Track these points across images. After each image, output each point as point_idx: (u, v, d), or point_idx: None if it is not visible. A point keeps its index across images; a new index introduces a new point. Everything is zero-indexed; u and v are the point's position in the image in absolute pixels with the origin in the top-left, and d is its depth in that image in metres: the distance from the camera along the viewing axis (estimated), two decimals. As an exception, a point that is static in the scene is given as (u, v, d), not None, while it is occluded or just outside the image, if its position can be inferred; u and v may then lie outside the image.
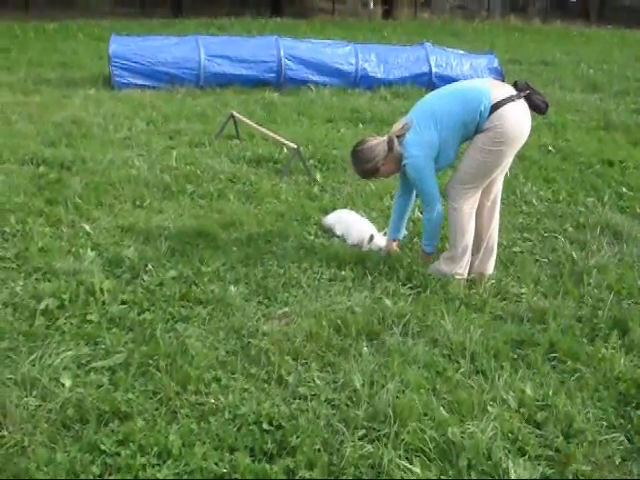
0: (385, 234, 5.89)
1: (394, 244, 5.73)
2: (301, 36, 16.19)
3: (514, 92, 5.02)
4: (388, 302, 4.84)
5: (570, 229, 6.54)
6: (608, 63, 18.78)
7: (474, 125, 5.02)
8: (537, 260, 5.82)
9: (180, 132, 9.65)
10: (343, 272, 5.32)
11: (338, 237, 6.05)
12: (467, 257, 5.30)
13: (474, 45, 19.90)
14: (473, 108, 4.97)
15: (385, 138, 5.26)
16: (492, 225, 5.41)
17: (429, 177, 5.17)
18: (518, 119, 4.97)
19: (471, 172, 5.10)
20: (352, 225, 6.06)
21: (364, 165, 5.33)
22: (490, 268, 5.44)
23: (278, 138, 8.31)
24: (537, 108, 5.08)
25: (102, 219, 6.25)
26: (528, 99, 5.03)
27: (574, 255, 5.84)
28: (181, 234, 5.91)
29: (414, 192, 5.54)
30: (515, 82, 5.14)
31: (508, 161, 5.16)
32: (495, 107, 4.93)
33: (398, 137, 5.21)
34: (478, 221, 5.33)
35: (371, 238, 5.83)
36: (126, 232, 5.97)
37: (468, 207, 5.17)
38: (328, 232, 6.17)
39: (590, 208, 7.12)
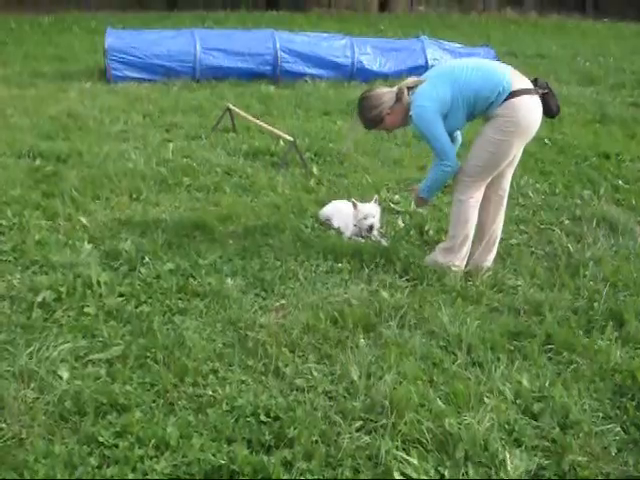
0: (376, 201, 6.02)
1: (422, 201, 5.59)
2: (297, 29, 16.20)
3: (532, 87, 4.96)
4: (385, 294, 4.84)
5: (566, 221, 6.56)
6: (604, 56, 18.77)
7: (486, 103, 4.94)
8: (533, 252, 5.84)
9: (176, 125, 9.66)
10: (340, 264, 5.33)
11: (335, 229, 6.04)
12: (466, 249, 5.29)
13: (470, 38, 19.86)
14: (493, 85, 4.89)
15: (395, 89, 5.22)
16: (497, 220, 5.40)
17: (438, 130, 5.02)
18: (531, 113, 4.93)
19: (479, 164, 5.07)
20: (350, 217, 6.03)
21: (369, 112, 5.24)
22: (489, 261, 5.43)
23: (274, 131, 8.30)
24: (549, 111, 5.06)
25: (99, 212, 6.25)
26: (543, 99, 4.99)
27: (570, 247, 5.85)
28: (178, 227, 5.92)
29: None
30: (535, 79, 5.07)
31: (516, 155, 5.15)
32: (512, 95, 4.86)
33: (410, 89, 5.13)
34: (484, 214, 5.31)
35: (371, 228, 5.84)
36: (123, 225, 5.97)
37: (474, 200, 5.16)
38: (325, 224, 6.17)
39: (586, 201, 7.13)
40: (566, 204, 7.05)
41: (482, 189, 5.18)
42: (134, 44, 12.76)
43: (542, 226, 6.42)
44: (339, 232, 6.00)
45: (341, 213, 6.14)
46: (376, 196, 6.09)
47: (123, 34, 13.39)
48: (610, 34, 26.11)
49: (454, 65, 5.22)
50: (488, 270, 5.33)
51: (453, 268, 5.22)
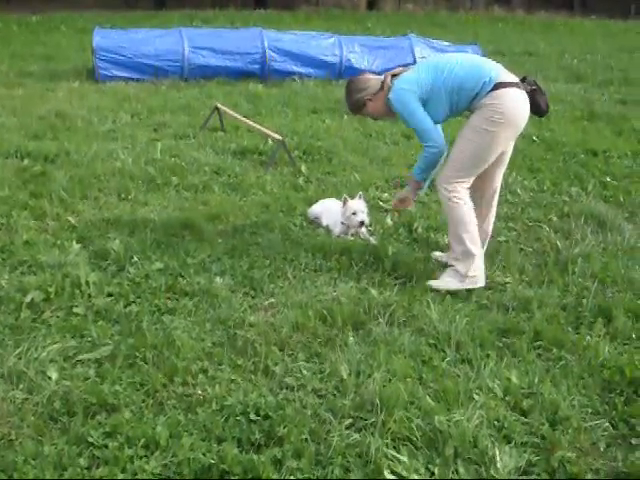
0: (360, 197, 5.98)
1: (415, 188, 5.43)
2: (285, 28, 16.19)
3: (518, 81, 4.91)
4: (374, 292, 4.84)
5: (554, 218, 6.56)
6: (592, 53, 18.87)
7: (471, 95, 4.87)
8: (522, 249, 5.84)
9: (165, 124, 9.66)
10: (329, 263, 5.33)
11: (324, 227, 6.04)
12: (475, 252, 5.03)
13: (458, 36, 19.96)
14: (477, 76, 4.84)
15: (382, 76, 5.24)
16: (487, 220, 5.36)
17: (417, 111, 4.98)
18: (518, 104, 4.85)
19: (463, 157, 4.95)
20: (338, 214, 6.02)
21: (354, 95, 5.26)
22: None
23: (263, 130, 8.30)
24: (538, 108, 5.00)
25: (87, 212, 6.24)
26: (532, 96, 4.94)
27: (559, 244, 5.86)
28: (166, 226, 5.91)
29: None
30: (524, 77, 5.02)
31: (505, 153, 5.10)
32: (498, 86, 4.79)
33: (394, 77, 5.14)
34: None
35: (361, 224, 5.84)
36: (111, 225, 5.96)
37: (464, 196, 5.00)
38: (314, 223, 6.17)
39: (574, 197, 7.15)
40: (554, 201, 7.06)
41: (466, 187, 5.03)
42: (122, 43, 12.78)
43: (530, 223, 6.43)
44: (328, 230, 5.99)
45: (330, 211, 6.13)
46: (360, 193, 6.06)
47: (111, 33, 13.41)
48: (598, 31, 26.27)
49: (441, 57, 5.26)
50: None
51: (470, 286, 5.00)
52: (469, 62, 5.04)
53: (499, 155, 5.05)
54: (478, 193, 5.22)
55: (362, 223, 5.83)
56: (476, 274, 5.02)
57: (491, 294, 5.01)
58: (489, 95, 4.80)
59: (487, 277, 5.16)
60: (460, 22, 28.36)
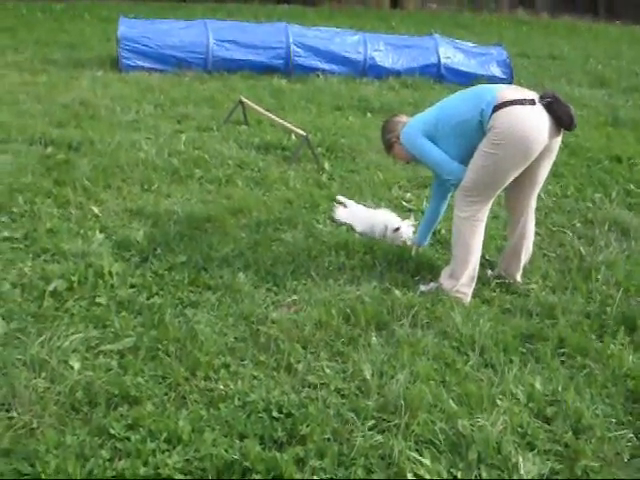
0: (408, 225, 5.83)
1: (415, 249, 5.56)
2: (309, 23, 16.10)
3: (529, 97, 4.69)
4: (397, 293, 4.81)
5: (578, 224, 6.52)
6: (617, 59, 18.74)
7: (474, 125, 4.75)
8: (545, 254, 5.80)
9: (188, 116, 9.64)
10: (352, 261, 5.31)
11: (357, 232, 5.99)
12: (469, 276, 4.94)
13: (482, 37, 19.83)
14: (475, 104, 4.73)
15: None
16: (525, 243, 5.20)
17: (424, 145, 4.97)
18: (523, 123, 4.59)
19: (472, 177, 4.78)
20: (371, 219, 5.95)
21: (384, 136, 5.40)
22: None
23: (287, 125, 8.28)
24: (559, 119, 4.68)
25: (110, 201, 6.23)
26: (549, 108, 4.68)
27: (582, 250, 5.82)
28: (190, 219, 5.90)
29: (445, 201, 5.44)
30: (542, 94, 4.77)
31: (536, 174, 4.90)
32: (498, 107, 4.63)
33: None
34: (508, 229, 5.29)
35: (397, 229, 5.74)
36: (134, 215, 5.96)
37: (474, 220, 4.85)
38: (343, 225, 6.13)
39: (598, 204, 7.09)
40: (578, 207, 7.01)
41: (483, 210, 4.87)
42: (147, 33, 12.73)
43: (554, 228, 6.38)
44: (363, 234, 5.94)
45: (360, 218, 6.07)
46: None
47: (136, 23, 13.34)
48: (623, 37, 26.05)
49: (447, 97, 5.19)
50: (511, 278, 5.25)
51: (457, 295, 4.89)
52: (469, 94, 4.99)
53: (530, 176, 4.87)
54: (513, 214, 5.18)
55: (397, 228, 5.76)
56: (464, 291, 4.95)
57: (515, 299, 4.98)
58: (491, 118, 4.64)
59: (513, 282, 5.18)
60: (484, 23, 28.23)
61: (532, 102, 4.66)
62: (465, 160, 4.88)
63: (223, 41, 12.87)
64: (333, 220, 6.21)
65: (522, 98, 4.66)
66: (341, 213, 6.25)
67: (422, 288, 5.00)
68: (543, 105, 4.68)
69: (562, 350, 4.31)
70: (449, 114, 4.92)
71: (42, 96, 10.13)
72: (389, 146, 5.38)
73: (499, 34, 23.27)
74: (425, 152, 5.01)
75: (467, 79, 13.22)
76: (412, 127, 5.09)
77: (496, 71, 13.99)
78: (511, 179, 4.77)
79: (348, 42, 13.62)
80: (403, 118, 5.34)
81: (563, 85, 14.16)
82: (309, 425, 3.38)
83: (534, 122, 4.62)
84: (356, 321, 4.45)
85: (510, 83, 13.74)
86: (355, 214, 6.18)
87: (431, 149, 4.97)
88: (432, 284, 5.05)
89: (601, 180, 7.88)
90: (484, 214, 4.90)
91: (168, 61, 12.61)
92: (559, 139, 4.85)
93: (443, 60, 13.77)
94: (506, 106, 4.62)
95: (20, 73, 11.85)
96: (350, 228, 6.04)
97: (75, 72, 12.21)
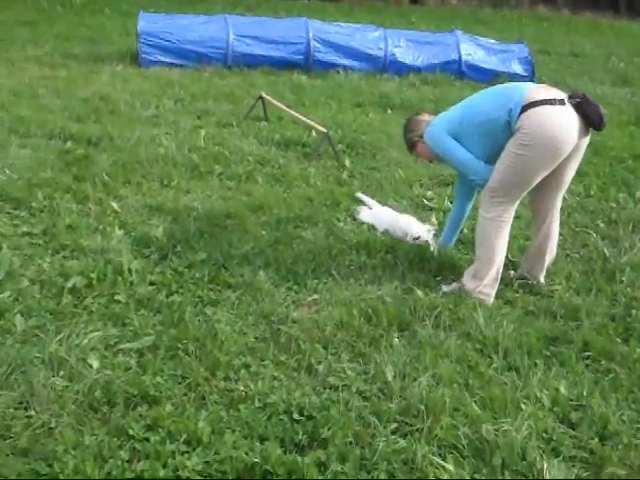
0: (429, 230, 5.74)
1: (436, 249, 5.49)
2: (329, 19, 16.01)
3: (559, 97, 4.63)
4: (420, 293, 4.75)
5: (601, 225, 6.43)
6: (639, 56, 18.55)
7: (501, 124, 4.66)
8: (568, 255, 5.72)
9: (208, 112, 9.59)
10: (373, 260, 5.25)
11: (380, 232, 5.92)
12: (493, 277, 4.85)
13: (503, 34, 19.68)
14: (501, 104, 4.65)
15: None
16: (549, 244, 5.13)
17: (448, 144, 4.89)
18: (550, 123, 4.49)
19: (499, 178, 4.70)
20: (392, 225, 5.87)
21: (406, 135, 5.32)
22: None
23: (308, 121, 8.22)
24: (588, 119, 4.59)
25: (130, 197, 6.19)
26: (578, 108, 4.59)
27: (606, 252, 5.73)
28: (209, 215, 5.85)
29: (470, 201, 5.39)
30: (570, 93, 4.68)
31: (562, 174, 4.79)
32: (526, 107, 4.54)
33: None
34: (533, 229, 5.22)
35: (417, 238, 5.63)
36: (154, 211, 5.91)
37: (499, 220, 4.77)
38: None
39: (622, 204, 7.00)
40: (601, 207, 6.93)
41: (509, 210, 4.79)
42: (167, 28, 12.69)
43: (577, 229, 6.29)
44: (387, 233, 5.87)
45: (380, 220, 6.01)
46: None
47: (156, 18, 13.32)
48: (645, 35, 25.85)
49: (473, 95, 5.09)
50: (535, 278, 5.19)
51: (480, 296, 4.83)
52: (496, 92, 4.89)
53: (557, 176, 4.78)
54: (538, 215, 5.09)
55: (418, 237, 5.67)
56: (487, 292, 4.88)
57: (538, 300, 4.91)
58: (519, 118, 4.55)
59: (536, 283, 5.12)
60: (505, 20, 28.08)
61: (562, 102, 4.57)
62: (490, 159, 4.81)
63: (243, 36, 12.81)
64: (355, 219, 6.15)
65: (551, 98, 4.57)
66: (365, 214, 6.17)
67: (444, 288, 4.94)
68: (572, 105, 4.59)
69: (587, 353, 4.23)
70: (475, 112, 4.83)
71: (62, 90, 10.10)
72: (411, 145, 5.31)
73: (519, 30, 23.10)
74: (450, 151, 4.93)
75: (488, 76, 13.18)
76: (436, 126, 5.00)
77: (517, 68, 13.86)
78: (539, 180, 4.68)
79: (369, 38, 13.54)
80: (425, 116, 5.27)
81: (586, 83, 14.03)
82: (330, 428, 3.32)
83: (564, 122, 4.54)
84: (378, 321, 4.39)
85: (531, 80, 13.63)
86: (378, 216, 6.09)
87: (456, 148, 4.88)
88: (454, 284, 4.99)
89: (624, 179, 7.78)
90: (510, 215, 4.82)
91: (188, 56, 12.56)
92: (587, 139, 4.76)
93: (464, 57, 13.66)
94: (535, 106, 4.53)
95: (40, 67, 11.81)
96: (372, 227, 5.97)
97: (95, 67, 12.17)
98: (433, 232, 5.68)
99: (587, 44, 20.92)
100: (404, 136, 5.36)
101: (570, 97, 4.64)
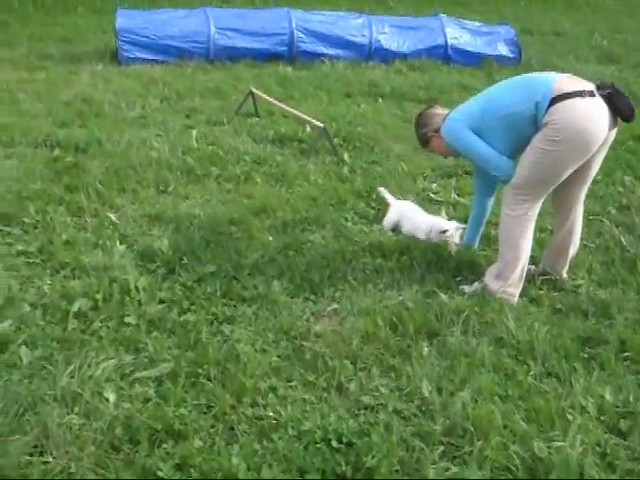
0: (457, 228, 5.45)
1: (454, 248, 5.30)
2: (307, 7, 15.70)
3: (588, 88, 4.35)
4: (443, 296, 4.51)
5: (613, 211, 6.26)
6: (620, 33, 18.43)
7: (528, 118, 4.41)
8: (586, 246, 5.49)
9: (196, 110, 9.29)
10: (389, 263, 5.02)
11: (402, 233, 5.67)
12: (518, 275, 4.65)
13: (484, 16, 19.42)
14: (526, 97, 4.40)
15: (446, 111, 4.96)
16: (572, 239, 4.94)
17: (469, 139, 4.65)
18: (581, 116, 4.26)
19: (524, 174, 4.47)
20: (419, 222, 5.61)
21: (419, 130, 5.10)
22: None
23: (303, 116, 7.96)
24: (618, 110, 4.36)
25: (127, 207, 5.90)
26: (608, 100, 4.35)
27: (622, 240, 5.54)
28: (212, 222, 5.60)
29: (492, 197, 5.17)
30: (599, 84, 4.45)
31: (587, 167, 4.54)
32: (556, 100, 4.30)
33: None
34: (555, 224, 5.00)
35: (445, 231, 5.36)
36: (154, 221, 5.64)
37: (524, 217, 4.56)
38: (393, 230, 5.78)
39: (629, 187, 6.81)
40: (609, 191, 6.75)
41: (534, 207, 4.57)
42: (146, 24, 12.34)
43: (590, 217, 6.04)
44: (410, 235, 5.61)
45: (408, 218, 5.73)
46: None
47: (134, 14, 12.96)
48: (621, 10, 25.66)
49: (494, 86, 4.82)
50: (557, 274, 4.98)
51: (505, 296, 4.60)
52: (517, 84, 4.64)
53: (583, 170, 4.53)
54: (562, 210, 4.86)
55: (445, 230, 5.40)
56: (511, 291, 4.67)
57: (563, 296, 4.70)
58: (548, 112, 4.29)
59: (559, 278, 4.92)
60: (483, 1, 27.79)
61: (591, 94, 4.32)
62: (513, 154, 4.60)
63: (225, 29, 12.51)
64: (383, 228, 5.81)
65: (581, 89, 4.32)
66: (389, 218, 5.84)
67: (466, 289, 4.72)
68: (602, 97, 4.35)
69: (625, 354, 4.01)
70: (497, 105, 4.57)
71: (42, 94, 9.75)
72: (425, 140, 5.07)
73: (498, 11, 22.85)
74: (471, 147, 4.68)
75: (475, 59, 13.06)
76: (456, 120, 4.75)
77: (504, 50, 13.67)
78: (566, 176, 4.45)
79: (352, 25, 13.26)
80: (438, 110, 5.04)
81: (572, 62, 13.84)
82: (374, 457, 3.07)
83: (594, 115, 4.30)
84: (404, 330, 4.15)
85: (518, 62, 13.47)
86: (399, 212, 5.81)
87: (477, 144, 4.64)
88: (476, 284, 4.76)
89: (628, 162, 7.62)
90: (535, 212, 4.59)
91: (169, 52, 12.24)
92: (615, 131, 4.52)
93: (450, 41, 13.41)
94: (565, 99, 4.28)
95: (16, 70, 11.41)
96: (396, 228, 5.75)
97: (74, 67, 11.81)
98: (460, 229, 5.40)
99: (567, 22, 20.70)
100: (417, 131, 5.12)
101: (599, 88, 4.39)
